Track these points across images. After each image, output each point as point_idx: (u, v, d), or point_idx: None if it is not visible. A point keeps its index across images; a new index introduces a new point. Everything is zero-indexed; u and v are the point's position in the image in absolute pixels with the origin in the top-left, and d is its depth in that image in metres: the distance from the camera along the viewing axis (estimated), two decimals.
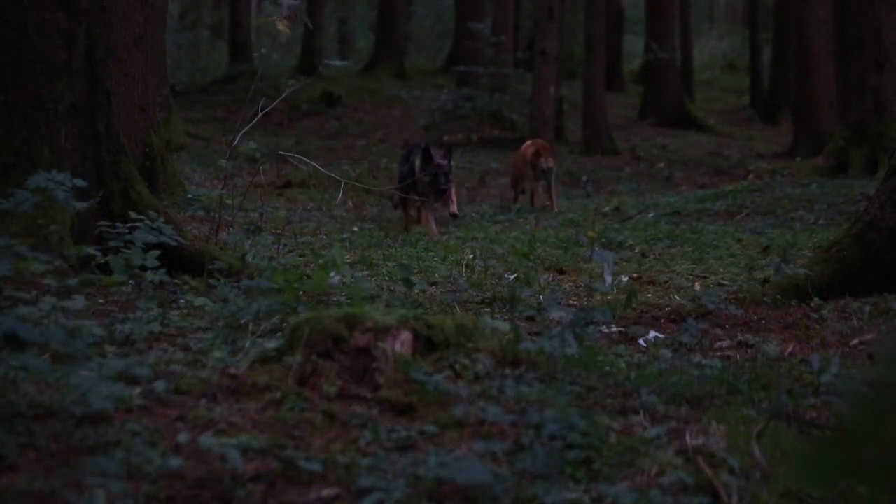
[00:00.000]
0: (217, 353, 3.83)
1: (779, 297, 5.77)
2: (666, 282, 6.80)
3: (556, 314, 4.44)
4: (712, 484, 2.84)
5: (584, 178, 14.91)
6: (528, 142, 13.23)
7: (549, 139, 16.49)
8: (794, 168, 14.83)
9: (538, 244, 8.08)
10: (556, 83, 18.20)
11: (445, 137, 19.00)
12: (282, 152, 8.17)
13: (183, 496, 2.70)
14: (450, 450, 3.01)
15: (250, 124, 7.79)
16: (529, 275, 7.00)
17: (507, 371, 3.66)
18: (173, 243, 5.60)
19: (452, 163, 10.00)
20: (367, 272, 7.04)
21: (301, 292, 4.91)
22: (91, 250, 5.34)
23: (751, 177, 14.81)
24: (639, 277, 6.89)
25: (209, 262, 5.71)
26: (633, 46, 30.86)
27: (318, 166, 8.63)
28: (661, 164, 17.41)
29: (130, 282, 5.34)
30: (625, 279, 6.71)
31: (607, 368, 3.86)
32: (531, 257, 7.91)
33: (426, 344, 3.61)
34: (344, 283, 5.83)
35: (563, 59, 22.84)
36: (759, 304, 5.73)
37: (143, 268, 5.25)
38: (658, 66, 22.95)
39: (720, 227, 10.07)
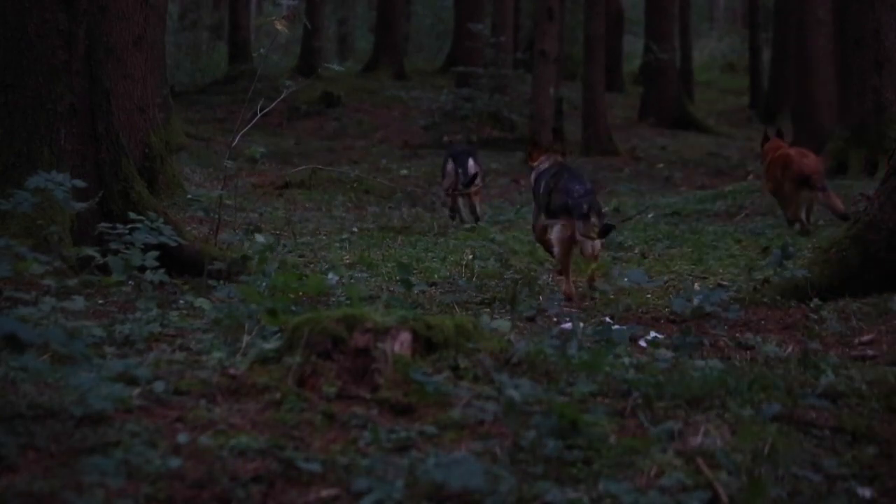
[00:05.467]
0: (216, 354, 3.83)
1: (778, 297, 5.77)
2: (666, 282, 6.80)
3: (565, 326, 4.49)
4: (712, 485, 2.84)
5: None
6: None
7: (549, 140, 16.44)
8: None
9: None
10: (555, 84, 18.16)
11: (445, 138, 19.00)
12: (261, 156, 7.84)
13: (182, 496, 2.70)
14: (449, 451, 3.01)
15: (250, 125, 7.78)
16: (529, 275, 7.01)
17: (507, 372, 3.66)
18: (173, 244, 5.60)
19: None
20: (367, 273, 7.04)
21: (300, 293, 4.92)
22: (91, 251, 5.34)
23: (750, 177, 14.81)
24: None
25: (209, 263, 5.71)
26: (633, 47, 30.83)
27: (361, 175, 8.59)
28: (661, 165, 17.40)
29: (130, 282, 5.33)
30: (626, 280, 6.70)
31: (607, 369, 3.86)
32: (530, 258, 7.92)
33: (426, 344, 3.61)
34: (343, 283, 5.83)
35: (563, 59, 22.81)
36: (758, 304, 5.73)
37: (143, 268, 5.25)
38: (657, 67, 22.94)
39: (720, 227, 10.07)
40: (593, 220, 6.18)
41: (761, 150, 10.47)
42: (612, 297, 6.17)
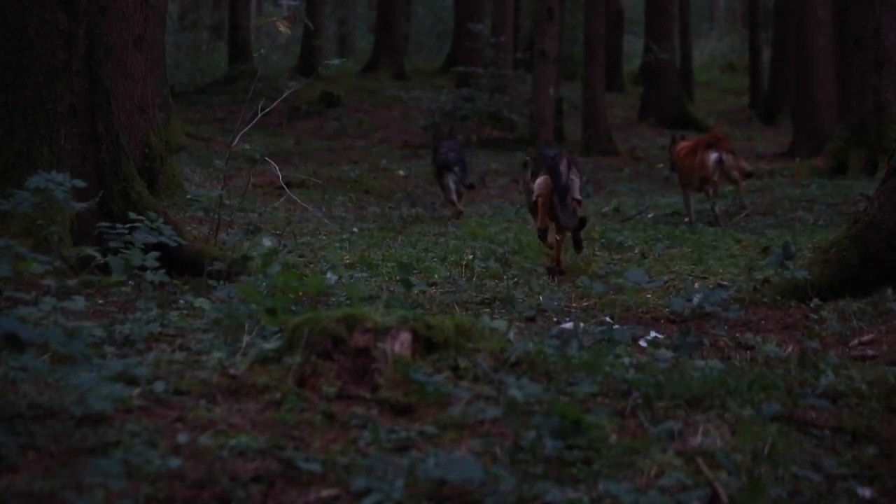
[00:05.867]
0: (216, 354, 3.83)
1: (778, 297, 5.76)
2: (666, 282, 6.80)
3: (565, 326, 4.48)
4: (712, 485, 2.84)
5: (584, 179, 14.86)
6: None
7: (549, 140, 16.45)
8: (793, 168, 14.83)
9: (536, 244, 8.07)
10: (555, 84, 18.17)
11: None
12: (260, 156, 7.90)
13: (182, 496, 2.70)
14: (449, 451, 3.01)
15: (250, 125, 7.78)
16: (529, 272, 7.01)
17: (507, 372, 3.66)
18: (173, 244, 5.60)
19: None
20: (367, 273, 7.04)
21: (300, 293, 4.92)
22: (91, 251, 5.34)
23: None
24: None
25: (209, 263, 5.71)
26: (633, 47, 30.82)
27: (278, 171, 8.60)
28: (661, 165, 17.38)
29: (130, 282, 5.33)
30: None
31: (607, 369, 3.86)
32: (529, 258, 7.92)
33: (426, 344, 3.61)
34: (343, 283, 5.83)
35: (563, 59, 22.81)
36: (758, 304, 5.73)
37: (143, 268, 5.25)
38: (657, 67, 22.94)
39: (720, 227, 10.08)
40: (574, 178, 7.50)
41: (670, 153, 11.48)
42: (612, 296, 6.16)
